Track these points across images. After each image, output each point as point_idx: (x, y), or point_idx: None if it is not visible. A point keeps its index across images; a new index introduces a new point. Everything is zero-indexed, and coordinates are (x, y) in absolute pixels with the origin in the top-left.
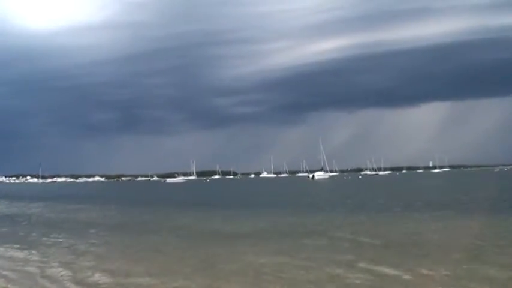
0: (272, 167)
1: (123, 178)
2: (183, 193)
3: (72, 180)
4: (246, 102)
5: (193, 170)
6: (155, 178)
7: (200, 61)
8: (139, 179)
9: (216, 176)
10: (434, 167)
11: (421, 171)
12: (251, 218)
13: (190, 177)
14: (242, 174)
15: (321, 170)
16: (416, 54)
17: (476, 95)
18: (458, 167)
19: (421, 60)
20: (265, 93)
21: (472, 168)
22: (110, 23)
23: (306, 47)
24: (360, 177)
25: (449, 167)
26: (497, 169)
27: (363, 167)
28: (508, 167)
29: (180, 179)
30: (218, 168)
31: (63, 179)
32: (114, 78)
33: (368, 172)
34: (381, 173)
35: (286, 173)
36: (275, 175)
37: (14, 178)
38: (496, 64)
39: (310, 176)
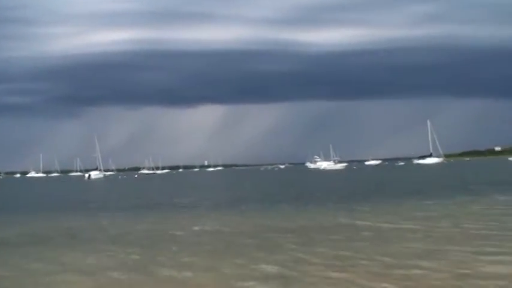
0: (41, 166)
1: None
2: None
3: None
4: (13, 91)
5: None
6: None
7: None
8: None
9: None
10: (209, 166)
11: (197, 169)
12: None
13: None
14: (6, 173)
15: (96, 169)
16: (198, 57)
17: (252, 100)
18: (230, 166)
19: (203, 63)
20: (38, 82)
21: (242, 167)
22: None
23: (91, 36)
24: (136, 176)
25: (223, 166)
26: (262, 168)
27: (141, 166)
28: (271, 166)
29: None
30: None
31: None
32: None
33: (146, 171)
34: (158, 171)
35: (58, 172)
36: (45, 174)
37: None
38: (271, 73)
39: (87, 175)
